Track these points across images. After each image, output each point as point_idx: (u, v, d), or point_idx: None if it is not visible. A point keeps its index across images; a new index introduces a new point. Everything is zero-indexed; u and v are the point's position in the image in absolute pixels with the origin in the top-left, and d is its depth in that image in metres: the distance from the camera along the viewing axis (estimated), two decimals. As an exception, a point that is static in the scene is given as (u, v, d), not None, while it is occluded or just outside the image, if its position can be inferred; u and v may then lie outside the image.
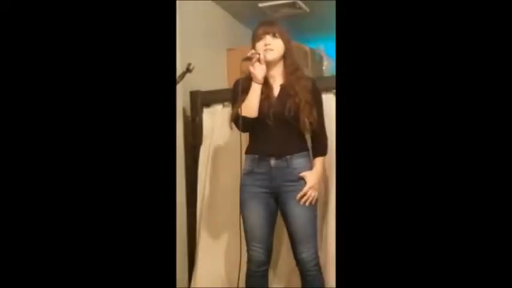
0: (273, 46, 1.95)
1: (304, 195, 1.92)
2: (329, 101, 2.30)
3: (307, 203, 1.92)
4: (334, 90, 2.29)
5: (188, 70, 2.35)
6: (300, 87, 1.96)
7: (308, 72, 3.02)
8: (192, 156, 2.65)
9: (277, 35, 1.96)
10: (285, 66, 2.00)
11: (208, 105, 2.64)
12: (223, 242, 2.49)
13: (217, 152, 2.55)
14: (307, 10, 3.45)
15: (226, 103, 2.54)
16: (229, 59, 3.16)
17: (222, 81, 3.01)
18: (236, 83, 2.03)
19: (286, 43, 1.99)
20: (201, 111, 2.65)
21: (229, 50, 3.21)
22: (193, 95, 2.67)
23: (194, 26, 2.86)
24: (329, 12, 3.59)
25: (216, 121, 2.56)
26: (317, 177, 1.97)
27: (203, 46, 2.96)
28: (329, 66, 3.50)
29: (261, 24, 2.02)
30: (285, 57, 2.00)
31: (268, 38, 1.95)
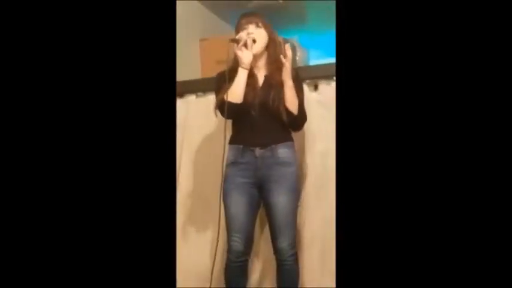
0: (256, 35, 1.95)
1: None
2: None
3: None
4: (308, 81, 2.33)
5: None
6: (279, 78, 1.95)
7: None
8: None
9: (260, 24, 1.97)
10: (268, 56, 2.01)
11: (181, 95, 2.62)
12: (202, 234, 2.49)
13: (191, 142, 2.54)
14: (281, 1, 3.46)
15: (199, 93, 2.53)
16: (202, 49, 3.14)
17: (195, 72, 2.99)
18: (219, 74, 2.03)
19: (270, 34, 2.01)
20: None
21: (202, 40, 3.18)
22: (167, 86, 2.65)
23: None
24: (302, 3, 3.61)
25: (189, 111, 2.55)
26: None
27: (176, 36, 2.93)
28: (302, 56, 3.51)
29: (244, 15, 2.03)
30: (268, 47, 2.00)
31: (251, 28, 1.96)
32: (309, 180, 2.29)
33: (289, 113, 1.93)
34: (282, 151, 1.97)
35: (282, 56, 1.88)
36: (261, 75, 2.02)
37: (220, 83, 2.00)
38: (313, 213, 2.26)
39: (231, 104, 1.91)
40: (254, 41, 1.94)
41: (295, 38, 3.54)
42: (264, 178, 1.96)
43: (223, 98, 1.93)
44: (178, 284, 2.25)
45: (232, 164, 1.99)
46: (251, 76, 1.96)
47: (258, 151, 1.96)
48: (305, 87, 2.32)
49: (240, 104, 1.92)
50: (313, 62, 3.79)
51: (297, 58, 3.45)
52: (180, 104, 2.61)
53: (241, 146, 1.98)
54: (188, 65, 3.01)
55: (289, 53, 1.88)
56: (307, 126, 2.30)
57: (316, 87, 2.35)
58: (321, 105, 2.28)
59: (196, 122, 2.49)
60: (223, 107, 1.93)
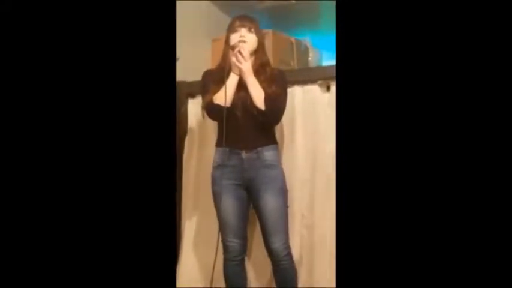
0: (247, 39, 1.99)
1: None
2: (314, 92, 2.32)
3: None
4: (320, 82, 2.32)
5: (173, 60, 2.34)
6: (262, 80, 1.99)
7: (294, 63, 3.03)
8: (176, 147, 2.64)
9: (252, 30, 2.01)
10: (255, 60, 2.04)
11: (193, 95, 2.63)
12: (208, 233, 2.49)
13: (202, 143, 2.55)
14: (293, 1, 3.45)
15: (211, 94, 2.53)
16: (214, 50, 3.14)
17: (207, 72, 2.99)
18: (207, 73, 2.09)
19: (260, 39, 2.05)
20: (186, 102, 2.65)
21: (214, 40, 3.19)
22: (178, 86, 2.65)
23: (178, 16, 2.82)
24: (315, 3, 3.60)
25: (201, 112, 2.55)
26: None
27: (188, 36, 2.94)
28: (314, 57, 3.51)
29: (238, 17, 2.07)
30: (256, 52, 2.04)
31: (244, 31, 2.00)
32: (320, 180, 2.29)
33: (256, 108, 1.95)
34: (268, 154, 2.01)
35: (238, 56, 1.93)
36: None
37: (207, 82, 2.05)
38: (324, 213, 2.26)
39: (219, 107, 1.95)
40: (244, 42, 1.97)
41: (307, 39, 3.54)
42: (251, 181, 1.99)
43: (210, 100, 1.97)
44: (178, 284, 2.27)
45: (219, 166, 2.03)
46: (239, 80, 1.99)
47: (244, 154, 1.99)
48: (317, 88, 2.32)
49: (227, 108, 1.95)
50: (325, 63, 3.78)
51: (309, 59, 3.46)
52: (192, 104, 2.62)
53: (227, 149, 2.00)
54: (200, 65, 3.01)
55: (245, 52, 1.94)
56: (318, 126, 2.31)
57: (328, 88, 2.34)
58: (332, 107, 2.28)
59: (208, 122, 2.49)
60: (210, 108, 1.98)
